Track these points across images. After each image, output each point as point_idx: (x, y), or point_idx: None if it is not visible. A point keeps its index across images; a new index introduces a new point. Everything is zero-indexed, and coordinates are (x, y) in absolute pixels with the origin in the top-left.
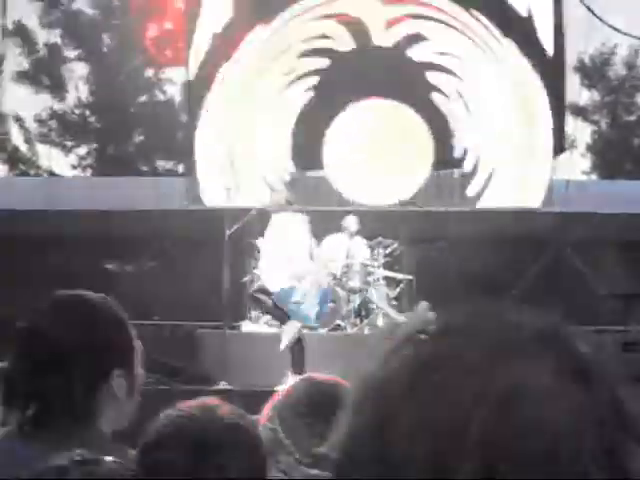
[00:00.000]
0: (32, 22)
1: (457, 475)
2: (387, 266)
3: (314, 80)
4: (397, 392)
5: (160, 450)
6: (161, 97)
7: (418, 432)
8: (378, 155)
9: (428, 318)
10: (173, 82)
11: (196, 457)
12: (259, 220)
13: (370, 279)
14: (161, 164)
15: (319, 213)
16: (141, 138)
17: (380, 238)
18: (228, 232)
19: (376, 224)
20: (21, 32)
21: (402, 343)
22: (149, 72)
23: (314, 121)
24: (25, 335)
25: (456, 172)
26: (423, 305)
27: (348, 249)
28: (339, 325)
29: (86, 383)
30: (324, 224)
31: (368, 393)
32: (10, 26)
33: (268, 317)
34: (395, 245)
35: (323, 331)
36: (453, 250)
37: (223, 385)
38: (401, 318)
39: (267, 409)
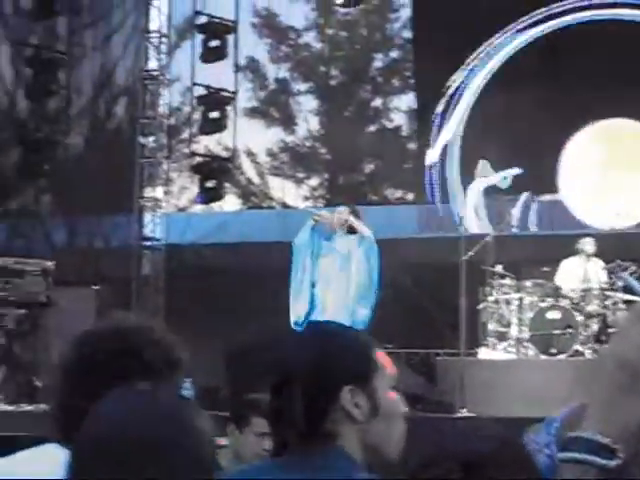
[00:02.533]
0: (262, 57)
1: None
2: (627, 289)
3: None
4: None
5: (433, 467)
6: (389, 125)
7: None
8: (614, 177)
9: None
10: (401, 110)
11: (466, 473)
12: (493, 246)
13: (609, 303)
14: (390, 192)
15: (555, 236)
16: (371, 167)
17: (618, 261)
18: (463, 258)
19: (613, 246)
20: (252, 68)
21: None
22: (377, 101)
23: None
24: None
25: None
26: None
27: (585, 272)
28: (577, 350)
29: (314, 402)
30: (560, 247)
31: None
32: (242, 62)
33: (505, 344)
34: (634, 268)
35: (563, 356)
36: None
37: (464, 412)
38: None
39: None
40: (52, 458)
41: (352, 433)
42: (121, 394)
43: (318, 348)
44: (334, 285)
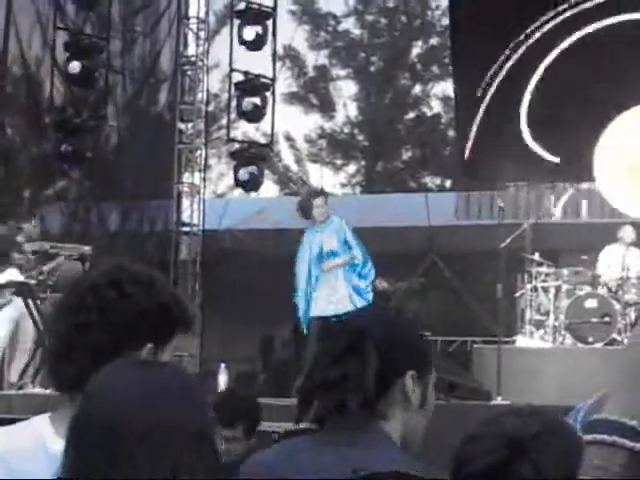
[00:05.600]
0: (301, 44)
1: None
2: None
3: None
4: None
5: (479, 441)
6: (428, 113)
7: None
8: None
9: None
10: (439, 97)
11: (511, 450)
12: (531, 234)
13: None
14: (429, 180)
15: (594, 224)
16: (409, 154)
17: None
18: (502, 246)
19: None
20: (290, 55)
21: None
22: (416, 89)
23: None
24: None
25: None
26: None
27: (624, 261)
28: (614, 339)
29: (382, 377)
30: (600, 236)
31: None
32: (280, 50)
33: (542, 332)
34: None
35: (599, 345)
36: None
37: (500, 400)
38: None
39: None
40: (36, 431)
41: (399, 418)
42: (118, 369)
43: (394, 326)
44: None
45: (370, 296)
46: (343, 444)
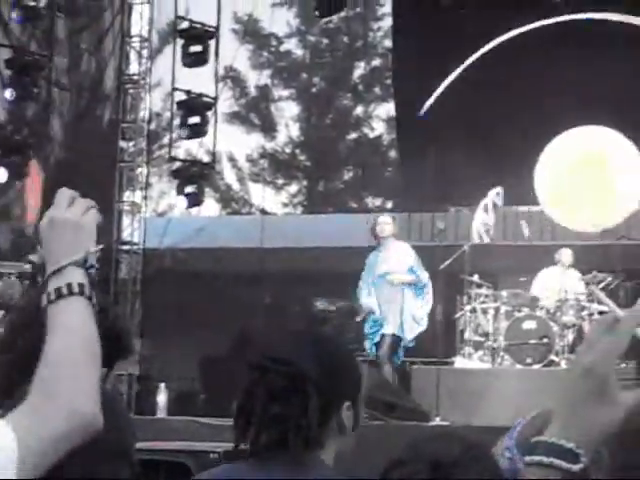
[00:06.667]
0: (243, 64)
1: None
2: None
3: None
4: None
5: (402, 466)
6: (370, 134)
7: None
8: (588, 186)
9: None
10: (381, 118)
11: (434, 474)
12: (471, 255)
13: (584, 314)
14: (370, 200)
15: (532, 247)
16: (350, 175)
17: (594, 272)
18: (441, 267)
19: (591, 258)
20: (232, 74)
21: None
22: (358, 109)
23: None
24: (265, 364)
25: None
26: None
27: (562, 283)
28: (552, 361)
29: (322, 412)
30: (538, 258)
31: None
32: (222, 69)
33: (481, 353)
34: (610, 279)
35: (537, 366)
36: None
37: (439, 421)
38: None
39: None
40: None
41: (333, 443)
42: None
43: (332, 361)
44: None
45: None
46: (281, 473)
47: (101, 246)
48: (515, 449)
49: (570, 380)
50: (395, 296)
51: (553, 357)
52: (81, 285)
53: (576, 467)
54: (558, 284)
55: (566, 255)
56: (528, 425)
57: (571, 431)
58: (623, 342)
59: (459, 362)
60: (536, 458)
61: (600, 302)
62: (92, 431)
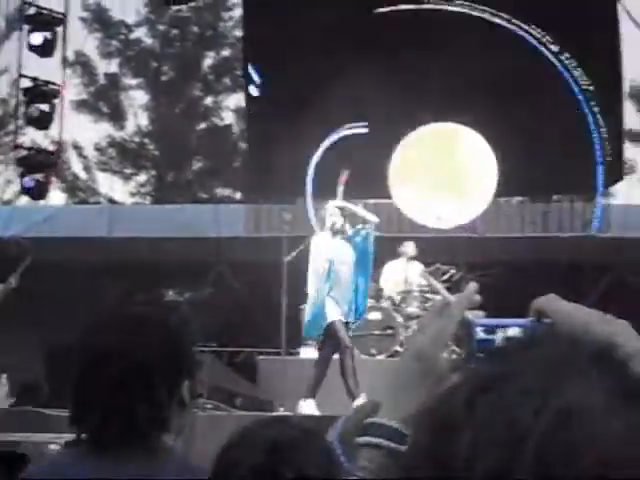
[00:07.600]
0: (92, 52)
1: None
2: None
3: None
4: (457, 411)
5: (236, 449)
6: (219, 124)
7: (476, 450)
8: (438, 181)
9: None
10: (231, 109)
11: (271, 455)
12: None
13: (428, 305)
14: (219, 191)
15: (378, 239)
16: (199, 165)
17: (438, 264)
18: (286, 259)
19: (434, 250)
20: (81, 62)
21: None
22: (207, 99)
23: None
24: (104, 350)
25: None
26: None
27: (406, 275)
28: (397, 351)
29: (167, 395)
30: (383, 250)
31: (428, 412)
32: (70, 56)
33: None
34: (453, 271)
35: (382, 357)
36: (511, 276)
37: (282, 411)
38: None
39: None
40: None
41: (175, 424)
42: None
43: (177, 346)
44: None
45: None
46: (125, 460)
47: None
48: (337, 441)
49: (401, 363)
50: None
51: (397, 348)
52: None
53: (403, 447)
54: (402, 276)
55: (409, 248)
56: (351, 418)
57: (400, 413)
58: (452, 325)
59: (304, 352)
60: (367, 439)
61: (434, 289)
62: None
